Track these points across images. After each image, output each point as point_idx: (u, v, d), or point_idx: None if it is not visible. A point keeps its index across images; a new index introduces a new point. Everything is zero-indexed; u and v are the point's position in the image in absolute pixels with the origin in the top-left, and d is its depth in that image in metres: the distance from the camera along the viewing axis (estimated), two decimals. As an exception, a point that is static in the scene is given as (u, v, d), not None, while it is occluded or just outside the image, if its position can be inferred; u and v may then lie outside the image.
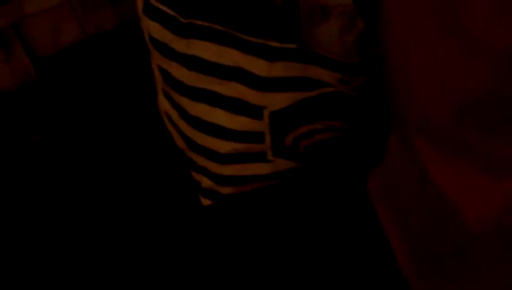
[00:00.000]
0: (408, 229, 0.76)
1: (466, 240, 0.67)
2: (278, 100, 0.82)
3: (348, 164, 0.87)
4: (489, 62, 0.61)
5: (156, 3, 0.84)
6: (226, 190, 0.90)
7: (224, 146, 0.86)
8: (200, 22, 0.82)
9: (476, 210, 0.67)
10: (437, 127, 0.66)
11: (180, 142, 0.92)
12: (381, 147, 0.78)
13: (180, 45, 0.84)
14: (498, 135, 0.64)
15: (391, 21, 0.67)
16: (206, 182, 0.91)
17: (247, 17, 0.81)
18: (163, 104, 0.93)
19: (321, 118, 0.84)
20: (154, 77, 0.94)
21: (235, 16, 0.81)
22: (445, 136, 0.66)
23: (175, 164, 0.95)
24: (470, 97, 0.63)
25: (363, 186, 0.81)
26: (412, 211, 0.74)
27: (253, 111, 0.83)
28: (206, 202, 0.91)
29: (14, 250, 0.90)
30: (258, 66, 0.81)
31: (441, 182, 0.68)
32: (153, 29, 0.86)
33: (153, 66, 0.93)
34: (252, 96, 0.83)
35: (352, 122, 0.85)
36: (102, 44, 1.10)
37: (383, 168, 0.80)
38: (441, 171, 0.68)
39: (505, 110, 0.62)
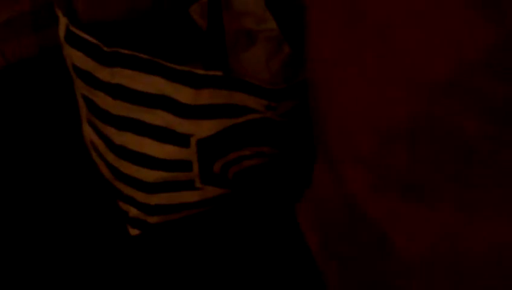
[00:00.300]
0: (338, 256, 0.75)
1: (396, 269, 0.67)
2: (205, 128, 0.82)
3: (277, 189, 0.86)
4: (415, 91, 0.61)
5: (78, 32, 0.83)
6: (153, 219, 0.89)
7: (150, 175, 0.85)
8: (123, 51, 0.80)
9: (405, 239, 0.66)
10: (364, 155, 0.66)
11: (106, 172, 0.91)
12: (311, 172, 0.77)
13: (104, 73, 0.83)
14: (426, 164, 0.64)
15: (315, 48, 0.67)
16: (133, 212, 0.89)
17: (172, 44, 0.80)
18: (88, 133, 0.91)
19: (249, 144, 0.83)
20: (78, 105, 0.92)
21: (159, 43, 0.80)
22: (373, 164, 0.66)
23: (102, 193, 0.94)
24: (396, 126, 0.63)
25: (293, 211, 0.80)
26: (342, 239, 0.74)
27: (180, 139, 0.82)
28: (134, 231, 0.90)
29: None
30: (184, 94, 0.80)
31: (370, 211, 0.68)
32: (76, 57, 0.85)
33: (77, 95, 0.91)
34: (178, 124, 0.82)
35: (281, 148, 0.85)
36: (24, 71, 1.07)
37: (311, 194, 0.79)
38: (370, 200, 0.68)
39: (432, 139, 0.63)
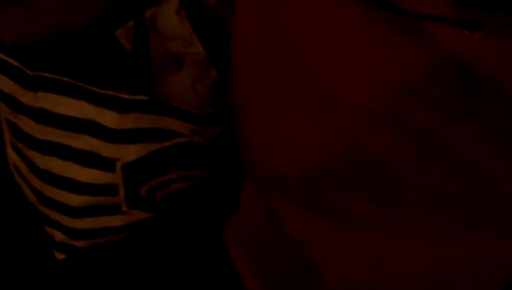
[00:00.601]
0: (265, 278, 0.75)
1: None
2: (131, 152, 0.81)
3: (204, 212, 0.86)
4: (340, 121, 0.61)
5: (1, 55, 0.82)
6: (80, 243, 0.88)
7: (75, 199, 0.84)
8: (46, 74, 0.79)
9: (332, 264, 0.67)
10: (289, 181, 0.66)
11: (30, 196, 0.89)
12: (239, 195, 0.77)
13: (27, 97, 0.82)
14: (351, 190, 0.64)
15: (239, 75, 0.67)
16: (59, 236, 0.88)
17: (98, 68, 0.79)
18: (12, 156, 0.90)
19: (176, 168, 0.83)
20: (2, 128, 0.91)
21: (85, 66, 0.79)
22: (299, 191, 0.66)
23: (27, 218, 0.92)
24: (321, 157, 0.63)
25: (221, 234, 0.80)
26: (269, 261, 0.74)
27: (105, 164, 0.81)
28: (60, 256, 0.89)
29: None
30: (109, 118, 0.79)
31: (298, 236, 0.68)
32: (-1, 81, 0.83)
33: (0, 118, 0.89)
34: (103, 148, 0.81)
35: (208, 172, 0.84)
36: None
37: (239, 218, 0.79)
38: (297, 225, 0.68)
39: (357, 167, 0.63)
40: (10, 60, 0.82)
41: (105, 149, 0.81)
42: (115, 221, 0.87)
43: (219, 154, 0.83)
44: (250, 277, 0.76)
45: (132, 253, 0.86)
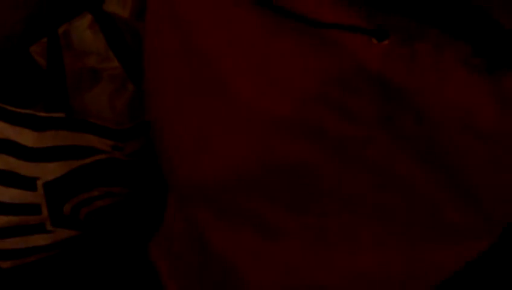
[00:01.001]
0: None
1: None
2: (51, 170, 0.80)
3: (129, 228, 0.85)
4: (253, 130, 0.61)
5: None
6: (6, 264, 0.87)
7: (-2, 220, 0.83)
8: (-40, 95, 0.78)
9: (255, 274, 0.66)
10: (208, 193, 0.66)
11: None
12: (164, 210, 0.76)
13: None
14: (268, 200, 0.64)
15: (151, 87, 0.66)
16: (-17, 257, 0.86)
17: (14, 86, 0.78)
18: None
19: (98, 185, 0.82)
20: None
21: (0, 85, 0.78)
22: (218, 202, 0.65)
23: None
24: (234, 166, 0.62)
25: (147, 250, 0.79)
26: (196, 276, 0.73)
27: (26, 183, 0.80)
28: (-15, 277, 0.87)
29: None
30: (26, 137, 0.78)
31: (220, 247, 0.67)
32: None
33: None
34: (23, 168, 0.80)
35: (132, 187, 0.84)
36: None
37: (164, 232, 0.78)
38: (220, 237, 0.67)
39: (273, 176, 0.62)
40: None
41: (25, 168, 0.80)
42: (40, 240, 0.86)
43: (141, 169, 0.82)
44: (173, 289, 0.75)
45: (58, 272, 0.85)
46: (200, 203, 0.67)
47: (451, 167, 0.60)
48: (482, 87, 0.58)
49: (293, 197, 0.63)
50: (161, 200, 0.77)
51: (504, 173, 0.60)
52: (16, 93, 0.78)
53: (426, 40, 0.57)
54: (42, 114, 0.78)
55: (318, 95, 0.59)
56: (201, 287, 0.73)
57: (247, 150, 0.62)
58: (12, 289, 0.87)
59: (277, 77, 0.60)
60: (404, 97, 0.58)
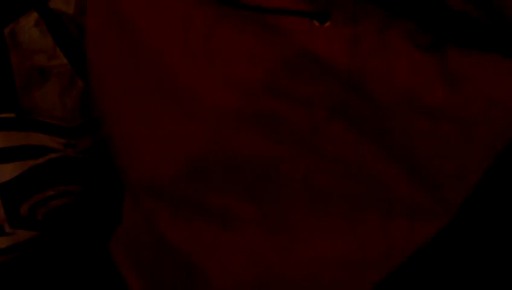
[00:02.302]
0: (153, 288, 0.74)
1: None
2: (5, 171, 0.79)
3: (87, 227, 0.85)
4: (203, 121, 0.60)
5: None
6: (-33, 270, 0.86)
7: (-45, 225, 0.82)
8: None
9: (215, 266, 0.66)
10: (162, 186, 0.65)
11: None
12: (120, 207, 0.76)
13: None
14: (225, 191, 0.63)
15: (97, 84, 0.66)
16: None
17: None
18: None
19: (53, 184, 0.81)
20: None
21: None
22: (173, 194, 0.65)
23: None
24: (185, 157, 0.62)
25: (107, 247, 0.79)
26: (155, 271, 0.73)
27: (-20, 186, 0.79)
28: None
29: None
30: (-22, 140, 0.77)
31: (178, 244, 0.67)
32: None
33: None
34: (-25, 170, 0.79)
35: (87, 185, 0.83)
36: None
37: (123, 230, 0.78)
38: (176, 232, 0.67)
39: (229, 166, 0.62)
40: None
41: (-22, 171, 0.79)
42: (1, 243, 0.85)
43: (95, 166, 0.81)
44: (136, 287, 0.74)
45: (19, 274, 0.84)
46: (153, 196, 0.66)
47: (401, 147, 0.60)
48: (428, 65, 0.57)
49: (250, 186, 0.63)
50: (118, 196, 0.77)
51: (453, 150, 0.60)
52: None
53: (369, 21, 0.57)
54: (-9, 115, 0.77)
55: (265, 84, 0.59)
56: (165, 284, 0.72)
57: (198, 141, 0.61)
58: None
59: (223, 68, 0.59)
60: (351, 79, 0.58)
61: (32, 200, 0.83)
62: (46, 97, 0.77)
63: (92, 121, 0.79)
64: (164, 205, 0.66)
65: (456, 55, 0.58)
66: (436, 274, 0.68)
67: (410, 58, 0.57)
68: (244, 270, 0.66)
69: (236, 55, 0.59)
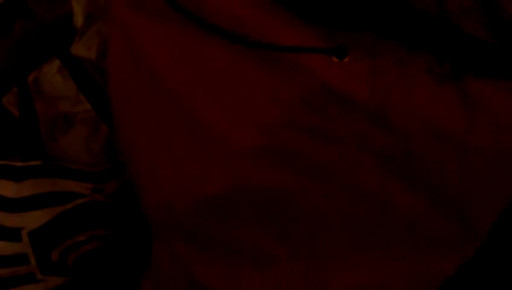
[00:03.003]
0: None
1: None
2: (34, 219, 0.80)
3: (120, 269, 0.85)
4: (226, 160, 0.60)
5: None
6: (-1, 318, 0.86)
7: (-14, 274, 0.82)
8: None
9: None
10: (190, 227, 0.65)
11: None
12: (150, 249, 0.76)
13: None
14: (250, 228, 0.63)
15: (121, 126, 0.66)
16: (-24, 312, 0.86)
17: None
18: None
19: (82, 229, 0.82)
20: None
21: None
22: (201, 235, 0.65)
23: None
24: (217, 196, 0.62)
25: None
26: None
27: (10, 234, 0.80)
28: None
29: None
30: (6, 188, 0.78)
31: (209, 283, 0.67)
32: None
33: None
34: (5, 219, 0.80)
35: (116, 228, 0.83)
36: None
37: (153, 270, 0.78)
38: (206, 271, 0.67)
39: (252, 203, 0.62)
40: None
41: (8, 219, 0.80)
42: (32, 290, 0.85)
43: (123, 208, 0.82)
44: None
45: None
46: (181, 236, 0.66)
47: (428, 178, 0.59)
48: (448, 95, 0.57)
49: (276, 223, 0.62)
50: (147, 237, 0.77)
51: (480, 179, 0.60)
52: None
53: (387, 54, 0.57)
54: (19, 164, 0.78)
55: (286, 121, 0.59)
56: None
57: (223, 180, 0.62)
58: None
59: (244, 107, 0.59)
60: (373, 113, 0.58)
61: (62, 246, 0.83)
62: (72, 144, 0.78)
63: (118, 165, 0.80)
64: (192, 244, 0.66)
65: (475, 84, 0.57)
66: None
67: (430, 89, 0.57)
68: None
69: (256, 93, 0.59)
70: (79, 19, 0.81)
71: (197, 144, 0.61)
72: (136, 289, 0.79)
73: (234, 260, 0.64)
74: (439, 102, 0.57)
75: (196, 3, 0.58)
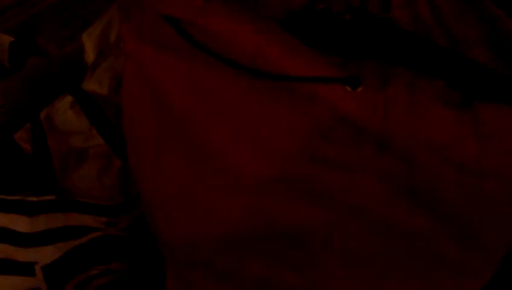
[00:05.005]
0: None
1: None
2: (48, 253, 0.80)
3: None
4: (243, 191, 0.61)
5: None
6: None
7: (1, 310, 0.82)
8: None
9: None
10: (204, 258, 0.65)
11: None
12: (164, 282, 0.76)
13: None
14: (267, 260, 0.63)
15: (136, 160, 0.67)
16: None
17: (1, 174, 0.78)
18: None
19: (96, 263, 0.82)
20: None
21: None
22: (215, 266, 0.65)
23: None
24: (232, 227, 0.62)
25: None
26: None
27: (24, 269, 0.80)
28: None
29: None
30: (20, 223, 0.78)
31: None
32: None
33: None
34: (19, 254, 0.79)
35: (130, 262, 0.83)
36: None
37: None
38: None
39: (269, 234, 0.62)
40: None
41: (22, 254, 0.80)
42: (45, 325, 0.85)
43: (137, 242, 0.82)
44: None
45: None
46: (194, 268, 0.66)
47: (445, 206, 0.60)
48: (460, 122, 0.58)
49: (291, 254, 0.63)
50: (160, 271, 0.77)
51: (492, 205, 0.60)
52: (5, 182, 0.79)
53: (399, 83, 0.57)
54: (32, 199, 0.78)
55: (302, 151, 0.59)
56: None
57: (239, 211, 0.62)
58: None
59: (260, 137, 0.60)
60: (386, 140, 0.58)
61: (75, 280, 0.83)
62: (85, 178, 0.78)
63: (131, 198, 0.80)
64: (206, 276, 0.66)
65: (486, 111, 0.58)
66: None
67: (441, 117, 0.58)
68: None
69: (273, 124, 0.59)
70: (90, 56, 0.82)
71: (213, 175, 0.62)
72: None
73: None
74: (450, 128, 0.57)
75: (212, 38, 0.59)
